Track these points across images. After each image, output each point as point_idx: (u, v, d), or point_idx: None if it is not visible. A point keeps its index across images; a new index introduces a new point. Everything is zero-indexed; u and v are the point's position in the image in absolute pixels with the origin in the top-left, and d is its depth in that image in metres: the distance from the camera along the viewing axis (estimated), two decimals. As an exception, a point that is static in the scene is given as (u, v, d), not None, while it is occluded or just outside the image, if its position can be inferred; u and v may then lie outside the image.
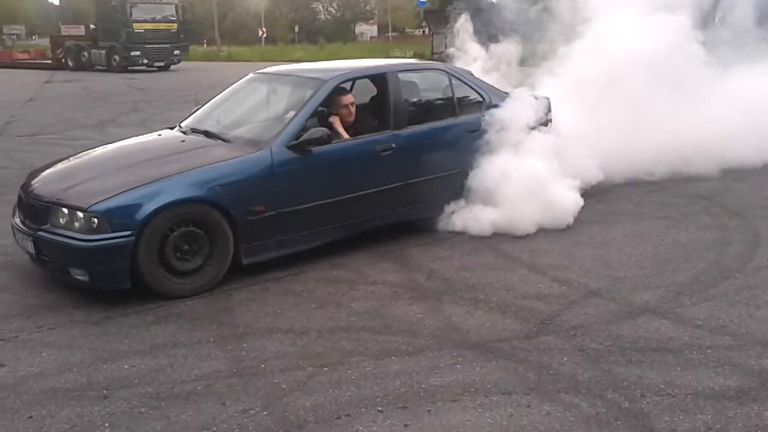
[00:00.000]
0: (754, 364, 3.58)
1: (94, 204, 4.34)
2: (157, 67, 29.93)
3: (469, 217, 5.77)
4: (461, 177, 5.82)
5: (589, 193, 6.52)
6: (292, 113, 5.17)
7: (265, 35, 53.28)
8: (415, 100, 5.99)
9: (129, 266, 4.36)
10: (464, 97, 6.06)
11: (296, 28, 57.21)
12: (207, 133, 5.33)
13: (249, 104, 5.85)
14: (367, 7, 65.85)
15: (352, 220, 5.31)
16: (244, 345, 3.92)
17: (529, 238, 5.68)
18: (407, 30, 62.24)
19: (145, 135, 5.96)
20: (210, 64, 36.51)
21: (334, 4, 64.77)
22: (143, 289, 4.49)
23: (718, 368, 3.55)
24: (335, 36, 56.69)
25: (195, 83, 21.82)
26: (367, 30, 65.61)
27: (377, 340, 3.96)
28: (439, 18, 34.19)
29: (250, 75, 6.18)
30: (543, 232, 5.82)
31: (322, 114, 5.45)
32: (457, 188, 5.82)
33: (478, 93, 6.09)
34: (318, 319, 4.25)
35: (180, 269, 4.54)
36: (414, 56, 33.41)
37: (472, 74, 6.28)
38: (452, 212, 5.84)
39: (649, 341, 3.87)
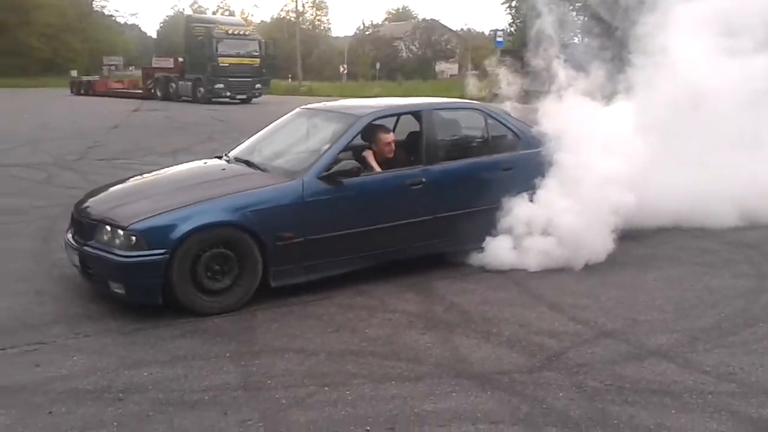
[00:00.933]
0: (754, 412, 3.54)
1: (133, 223, 4.70)
2: (239, 99, 31.24)
3: (497, 252, 5.86)
4: (492, 213, 5.92)
5: (631, 235, 6.50)
6: (326, 146, 5.44)
7: (346, 71, 54.65)
8: (449, 137, 6.17)
9: (161, 282, 4.68)
10: (499, 135, 6.20)
11: (377, 65, 58.39)
12: (248, 163, 5.67)
13: (291, 137, 6.18)
14: (448, 46, 66.59)
15: (380, 250, 5.50)
16: (257, 362, 4.15)
17: (558, 277, 5.72)
18: (488, 69, 62.43)
19: (192, 162, 6.37)
20: (290, 98, 37.69)
21: (416, 43, 65.79)
22: (175, 304, 4.80)
23: (714, 414, 3.52)
24: (415, 73, 57.49)
25: (272, 115, 22.52)
26: (447, 68, 66.23)
27: (382, 364, 4.11)
28: (515, 57, 34.49)
29: (297, 110, 6.53)
30: (574, 273, 5.84)
31: (358, 148, 5.71)
32: (487, 224, 5.92)
33: (513, 132, 6.21)
34: (331, 342, 4.44)
35: (210, 288, 4.83)
36: (490, 94, 33.68)
37: (508, 113, 6.41)
38: (483, 247, 5.93)
39: (650, 383, 3.86)
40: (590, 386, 3.82)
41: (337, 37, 74.33)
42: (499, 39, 41.09)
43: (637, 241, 6.60)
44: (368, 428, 3.37)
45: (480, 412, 3.54)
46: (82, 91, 38.89)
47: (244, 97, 31.40)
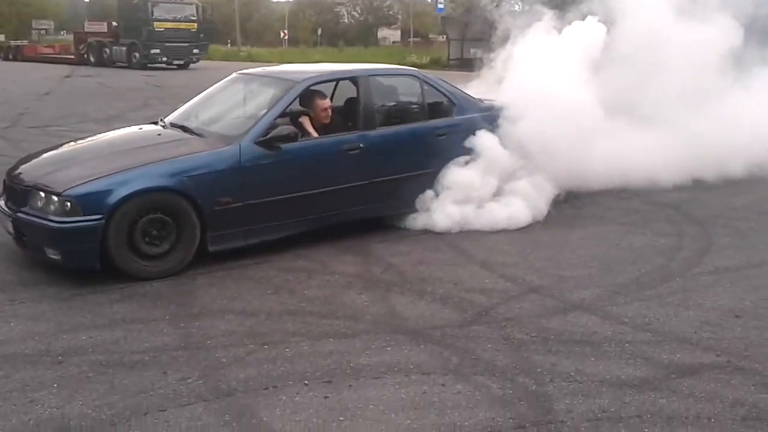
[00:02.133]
0: (666, 358, 3.81)
1: (68, 189, 4.68)
2: (176, 65, 30.56)
3: (432, 215, 6.04)
4: (428, 177, 6.09)
5: (561, 197, 6.78)
6: (264, 111, 5.47)
7: (286, 37, 53.87)
8: (386, 103, 6.26)
9: (98, 248, 4.69)
10: (435, 101, 6.33)
11: (319, 31, 57.72)
12: (184, 128, 5.66)
13: (228, 102, 6.17)
14: (390, 12, 66.26)
15: (318, 215, 5.60)
16: (196, 323, 4.22)
17: (490, 238, 5.94)
18: (430, 36, 62.47)
19: (128, 128, 6.32)
20: (229, 63, 36.96)
21: (358, 8, 65.28)
22: (113, 270, 4.81)
23: (630, 360, 3.78)
24: (357, 40, 57.17)
25: (210, 81, 22.12)
26: (390, 35, 65.95)
27: (320, 323, 4.24)
28: (456, 25, 34.67)
29: (234, 75, 6.51)
30: (506, 232, 6.08)
31: (295, 114, 5.76)
32: (423, 188, 6.09)
33: (449, 98, 6.35)
34: (270, 303, 4.55)
35: (148, 253, 4.86)
36: (430, 61, 33.78)
37: (444, 80, 6.55)
38: (418, 211, 6.10)
39: (573, 334, 4.11)
40: (517, 338, 4.04)
41: (278, 2, 72.95)
42: (441, 5, 41.20)
43: (566, 202, 6.87)
44: (306, 383, 3.51)
45: (413, 364, 3.71)
46: (10, 57, 37.34)
47: (181, 62, 30.72)
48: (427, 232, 6.05)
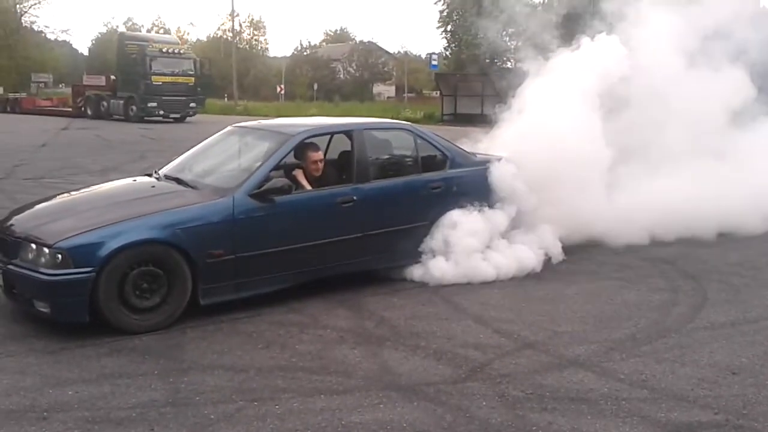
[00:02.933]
0: (663, 416, 3.74)
1: (59, 240, 4.65)
2: (173, 118, 30.81)
3: (426, 268, 6.01)
4: (422, 230, 6.09)
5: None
6: (258, 164, 5.49)
7: (283, 92, 54.54)
8: (379, 156, 6.29)
9: (88, 301, 4.63)
10: (428, 155, 6.38)
11: (315, 86, 58.51)
12: (178, 180, 5.67)
13: (222, 155, 6.20)
14: (386, 69, 67.30)
15: (311, 267, 5.56)
16: (185, 379, 4.15)
17: (484, 292, 5.90)
18: (425, 92, 63.39)
19: (122, 180, 6.32)
20: (226, 117, 37.28)
21: (354, 65, 66.25)
22: (102, 323, 4.74)
23: (627, 418, 3.71)
24: (353, 95, 57.87)
25: (206, 134, 22.33)
26: (384, 90, 66.88)
27: (311, 379, 4.17)
28: (449, 81, 35.25)
29: (229, 128, 6.56)
30: (499, 286, 6.05)
31: (289, 167, 5.79)
32: (418, 241, 6.08)
33: (442, 152, 6.40)
34: (261, 359, 4.47)
35: (138, 306, 4.80)
36: (424, 116, 34.18)
37: (436, 134, 6.61)
38: (412, 264, 6.08)
39: (569, 391, 4.04)
40: (512, 395, 3.97)
41: (275, 57, 74.08)
42: (434, 63, 41.91)
43: (560, 257, 6.85)
44: (296, 440, 3.43)
45: (406, 422, 3.64)
46: (9, 109, 37.66)
47: (177, 115, 30.98)
48: (421, 285, 6.02)
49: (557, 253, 6.77)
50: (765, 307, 5.63)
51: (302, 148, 5.87)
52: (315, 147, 5.95)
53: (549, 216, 6.81)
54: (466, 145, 7.26)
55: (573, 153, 6.86)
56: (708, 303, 5.70)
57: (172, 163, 6.26)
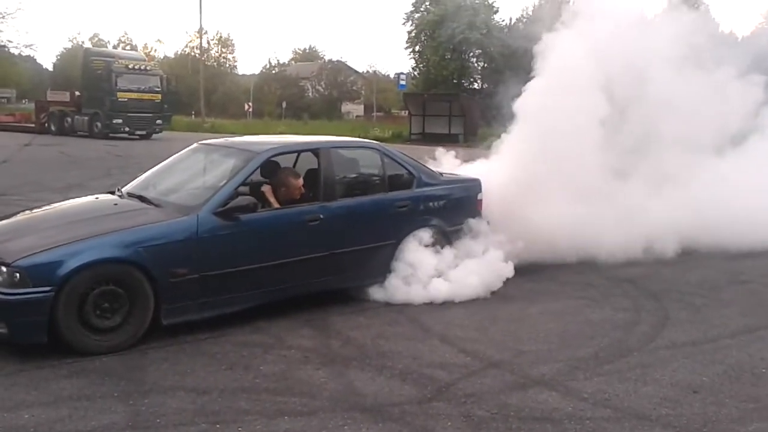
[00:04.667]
0: (625, 435, 3.78)
1: (18, 259, 4.54)
2: (138, 135, 30.40)
3: (392, 288, 6.01)
4: (389, 249, 6.09)
5: (518, 270, 6.84)
6: (223, 182, 5.45)
7: (251, 109, 54.38)
8: (347, 175, 6.29)
9: (47, 321, 4.52)
10: (395, 174, 6.39)
11: (284, 104, 58.45)
12: (141, 198, 5.59)
13: (187, 172, 6.14)
14: (354, 88, 67.56)
15: (277, 287, 5.52)
16: (146, 401, 4.06)
17: (450, 312, 5.92)
18: (393, 111, 63.72)
19: (84, 197, 6.22)
20: (193, 134, 36.98)
21: (322, 83, 66.36)
22: (62, 344, 4.63)
23: (590, 438, 3.74)
24: (321, 113, 57.90)
25: (172, 151, 22.10)
26: (353, 109, 67.09)
27: (275, 401, 4.12)
28: (417, 101, 35.51)
29: (194, 145, 6.51)
30: (464, 306, 6.07)
31: (256, 184, 5.76)
32: (384, 260, 6.08)
33: (409, 171, 6.42)
34: (224, 380, 4.41)
35: (99, 326, 4.71)
36: (393, 135, 34.32)
37: (404, 153, 6.64)
38: (378, 283, 6.07)
39: (533, 411, 4.05)
40: (477, 415, 3.97)
41: (243, 75, 73.87)
42: (402, 82, 42.22)
43: (524, 276, 6.91)
44: (258, 463, 3.37)
45: (370, 443, 3.61)
46: (-30, 124, 36.86)
47: (143, 132, 30.57)
48: (387, 305, 6.01)
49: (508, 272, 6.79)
50: (725, 326, 5.72)
51: (283, 173, 5.88)
52: (296, 174, 5.96)
53: (516, 233, 6.89)
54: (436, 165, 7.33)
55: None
56: (669, 322, 5.78)
57: (135, 180, 6.18)
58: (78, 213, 5.50)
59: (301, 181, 5.91)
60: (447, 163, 7.89)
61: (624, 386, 4.43)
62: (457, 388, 4.36)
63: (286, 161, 6.24)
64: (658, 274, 7.42)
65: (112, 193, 6.00)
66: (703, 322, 5.81)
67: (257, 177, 5.90)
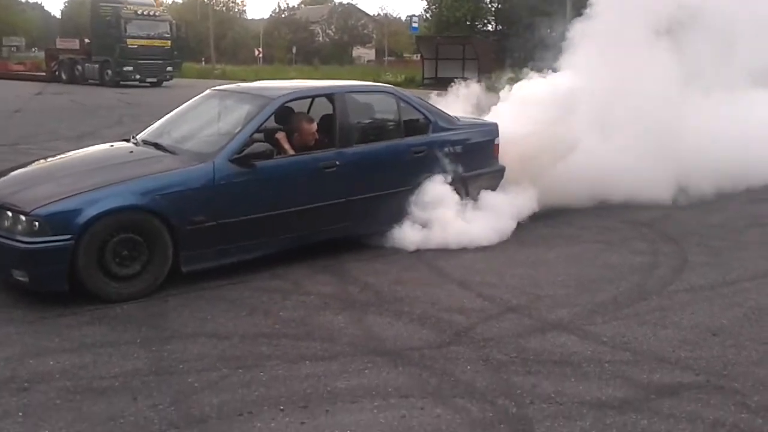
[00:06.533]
0: (645, 378, 3.79)
1: (36, 208, 4.55)
2: (149, 82, 30.25)
3: (409, 233, 5.99)
4: (405, 195, 6.05)
5: (537, 215, 6.81)
6: (238, 128, 5.40)
7: (261, 55, 53.81)
8: (362, 120, 6.21)
9: (67, 269, 4.55)
10: (411, 119, 6.31)
11: (294, 49, 57.74)
12: (157, 145, 5.56)
13: (202, 119, 6.08)
14: (365, 31, 66.51)
15: (294, 234, 5.52)
16: (168, 347, 4.11)
17: (467, 257, 5.91)
18: (405, 55, 62.82)
19: (99, 145, 6.20)
20: (203, 81, 36.78)
21: (333, 27, 65.37)
22: (82, 291, 4.68)
23: (610, 380, 3.75)
24: (332, 58, 57.22)
25: (184, 99, 21.95)
26: (364, 53, 66.21)
27: (296, 345, 4.16)
28: (430, 44, 34.91)
29: (207, 91, 6.44)
30: (482, 251, 6.06)
31: (271, 131, 5.71)
32: (400, 206, 6.04)
33: (425, 115, 6.33)
34: (244, 326, 4.45)
35: (119, 274, 4.73)
36: (405, 80, 33.92)
37: (420, 98, 6.54)
38: (395, 229, 6.05)
39: (552, 354, 4.07)
40: (496, 359, 3.99)
41: (253, 20, 72.80)
42: (415, 25, 41.49)
43: (541, 220, 6.88)
44: (282, 408, 3.42)
45: (391, 386, 3.64)
46: (-20, 74, 36.78)
47: (154, 80, 30.41)
48: (404, 251, 6.00)
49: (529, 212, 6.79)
50: (744, 269, 5.69)
51: (295, 116, 5.82)
52: (309, 119, 5.89)
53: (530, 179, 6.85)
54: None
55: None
56: (688, 266, 5.75)
57: (150, 127, 6.13)
58: (94, 161, 5.49)
59: (315, 126, 5.85)
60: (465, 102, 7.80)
61: (643, 329, 4.43)
62: (475, 332, 4.37)
63: (300, 107, 6.17)
64: (675, 218, 7.36)
65: (127, 140, 5.97)
66: (722, 265, 5.78)
67: (272, 123, 5.85)
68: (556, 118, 6.81)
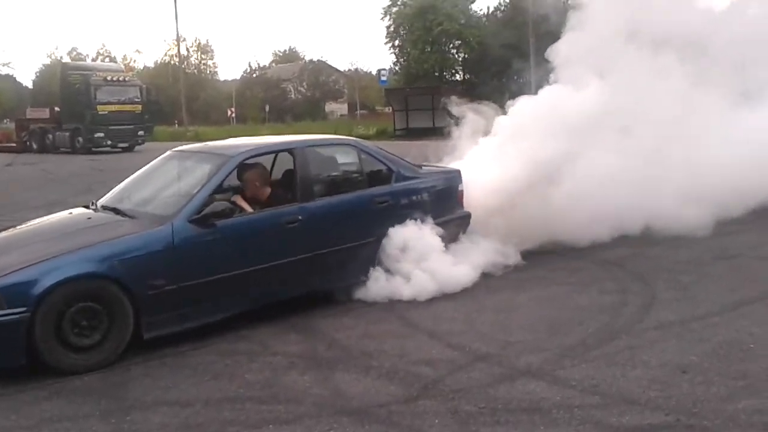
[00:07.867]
0: (615, 421, 3.73)
1: (-10, 281, 4.44)
2: (121, 147, 30.13)
3: (377, 286, 5.94)
4: (371, 247, 6.02)
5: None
6: (197, 188, 5.37)
7: (234, 115, 54.15)
8: (324, 173, 6.20)
9: (25, 343, 4.43)
10: (373, 170, 6.33)
11: (267, 108, 58.18)
12: (116, 210, 5.51)
13: (162, 181, 6.04)
14: (337, 87, 67.30)
15: (259, 292, 5.45)
16: (128, 418, 3.99)
17: (437, 306, 5.85)
18: (377, 108, 63.59)
19: (58, 213, 6.12)
20: (176, 144, 36.80)
21: (304, 84, 66.08)
22: (41, 365, 4.55)
23: (579, 426, 3.68)
24: (306, 115, 57.66)
25: (156, 163, 22.08)
26: (337, 108, 66.84)
27: (259, 409, 4.05)
28: (399, 96, 35.39)
29: (168, 152, 6.42)
30: (452, 299, 6.00)
31: (234, 189, 5.69)
32: (367, 258, 6.00)
33: (387, 166, 6.35)
34: (208, 391, 4.34)
35: (78, 345, 4.62)
36: (377, 132, 34.22)
37: (381, 148, 6.57)
38: (362, 282, 6.00)
39: (521, 402, 4.00)
40: (464, 410, 3.91)
41: (225, 81, 73.35)
42: (384, 78, 42.11)
43: (512, 264, 6.86)
44: (242, 475, 3.31)
45: (356, 446, 3.55)
46: (-50, 146, 36.49)
47: (126, 145, 30.28)
48: (373, 303, 5.94)
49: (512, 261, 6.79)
50: (713, 303, 5.68)
51: (251, 175, 5.80)
52: (262, 177, 5.89)
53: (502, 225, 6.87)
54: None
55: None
56: (657, 302, 5.74)
57: (109, 192, 6.09)
58: (51, 230, 5.41)
59: (264, 183, 5.84)
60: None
61: (612, 371, 4.38)
62: (444, 384, 4.30)
63: (266, 163, 6.18)
64: (645, 255, 7.35)
65: (87, 207, 5.90)
66: (690, 300, 5.77)
67: (235, 181, 5.83)
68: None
